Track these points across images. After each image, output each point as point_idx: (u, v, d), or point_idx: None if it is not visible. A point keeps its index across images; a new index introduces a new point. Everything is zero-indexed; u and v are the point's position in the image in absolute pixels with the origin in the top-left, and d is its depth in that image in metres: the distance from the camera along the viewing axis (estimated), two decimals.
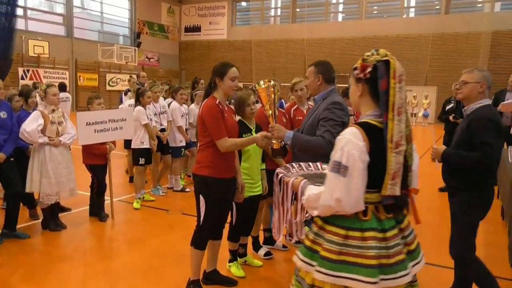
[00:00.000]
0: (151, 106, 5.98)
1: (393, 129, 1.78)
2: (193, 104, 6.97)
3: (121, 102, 8.69)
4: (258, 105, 3.53)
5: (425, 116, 20.42)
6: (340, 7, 25.25)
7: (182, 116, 6.56)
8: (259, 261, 3.79)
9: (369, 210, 1.82)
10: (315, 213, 1.88)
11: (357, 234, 1.80)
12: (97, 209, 4.98)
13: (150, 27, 26.40)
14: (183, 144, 6.43)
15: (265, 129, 3.60)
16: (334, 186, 1.78)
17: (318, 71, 3.02)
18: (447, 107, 6.78)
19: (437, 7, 22.17)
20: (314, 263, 1.86)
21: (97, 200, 4.98)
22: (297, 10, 25.22)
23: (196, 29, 27.75)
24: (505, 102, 6.71)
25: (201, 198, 2.98)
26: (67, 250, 4.07)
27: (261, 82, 3.00)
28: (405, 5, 23.36)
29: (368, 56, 1.89)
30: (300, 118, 4.02)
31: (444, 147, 2.89)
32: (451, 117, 6.40)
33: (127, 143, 6.30)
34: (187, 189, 6.47)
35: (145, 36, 25.86)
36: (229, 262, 3.63)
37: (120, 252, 4.04)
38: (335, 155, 1.81)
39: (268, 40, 25.06)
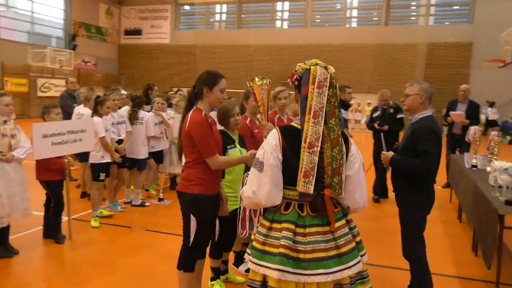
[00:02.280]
0: (109, 116, 5.71)
1: (307, 130, 1.97)
2: (151, 112, 6.76)
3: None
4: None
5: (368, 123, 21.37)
6: (286, 15, 25.82)
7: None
8: (241, 278, 3.73)
9: (292, 205, 2.02)
10: (243, 203, 2.22)
11: (277, 226, 2.01)
12: (53, 230, 4.63)
13: (87, 29, 25.28)
14: (146, 156, 6.22)
15: (247, 141, 3.61)
16: (252, 180, 2.04)
17: None
18: (374, 115, 7.06)
19: (375, 19, 23.41)
20: (249, 251, 2.10)
21: (54, 220, 4.62)
22: (243, 16, 25.42)
23: (137, 32, 27.01)
24: (455, 112, 7.25)
25: (192, 218, 2.85)
26: (25, 279, 3.73)
27: (256, 79, 2.95)
28: (348, 15, 24.42)
29: (299, 65, 2.11)
30: None
31: (391, 153, 3.20)
32: (376, 124, 6.69)
33: (82, 156, 5.94)
34: (146, 204, 6.24)
35: (81, 38, 24.72)
36: (211, 281, 3.54)
37: (89, 277, 3.76)
38: (258, 152, 2.09)
39: (214, 46, 24.99)
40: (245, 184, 2.39)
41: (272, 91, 4.23)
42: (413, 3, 23.81)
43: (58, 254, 4.34)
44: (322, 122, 1.99)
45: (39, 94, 21.74)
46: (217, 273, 3.54)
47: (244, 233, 2.88)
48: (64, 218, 4.74)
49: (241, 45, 24.52)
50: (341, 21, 24.67)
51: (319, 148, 1.98)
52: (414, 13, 23.99)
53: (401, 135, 3.98)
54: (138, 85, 21.09)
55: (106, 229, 5.09)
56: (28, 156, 4.26)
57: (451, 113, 7.27)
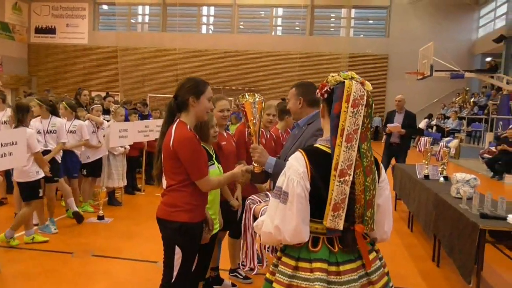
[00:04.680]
0: (37, 123, 5.00)
1: (339, 155, 1.71)
2: (87, 121, 6.08)
3: None
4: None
5: None
6: (212, 20, 25.49)
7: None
8: None
9: (321, 241, 1.75)
10: (261, 240, 1.86)
11: (306, 265, 1.73)
12: None
13: None
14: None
15: (219, 153, 3.27)
16: (274, 213, 1.73)
17: (299, 93, 2.75)
18: None
19: (297, 28, 24.03)
20: None
21: None
22: (168, 19, 24.61)
23: (50, 30, 24.83)
24: (391, 125, 7.58)
25: (178, 250, 2.44)
26: None
27: (247, 95, 2.60)
28: (274, 23, 24.79)
29: (332, 76, 1.84)
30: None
31: None
32: None
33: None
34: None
35: None
36: None
37: None
38: (279, 180, 1.77)
39: (137, 48, 23.83)
40: (261, 214, 2.07)
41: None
42: (332, 15, 24.85)
43: None
44: (356, 146, 1.74)
45: None
46: None
47: (247, 268, 2.52)
48: None
49: (166, 48, 23.71)
50: (266, 28, 24.96)
51: (351, 177, 1.72)
52: (334, 25, 25.06)
53: None
54: (52, 88, 19.42)
55: (42, 257, 4.36)
56: None
57: (388, 125, 7.61)
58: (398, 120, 7.63)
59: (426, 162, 5.43)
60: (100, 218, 5.72)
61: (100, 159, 6.22)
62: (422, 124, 18.60)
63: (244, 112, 2.52)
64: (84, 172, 6.12)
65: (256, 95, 2.56)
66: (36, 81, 24.69)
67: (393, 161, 7.80)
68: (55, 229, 5.16)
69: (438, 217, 4.34)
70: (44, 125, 5.18)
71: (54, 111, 5.29)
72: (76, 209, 5.49)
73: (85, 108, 6.83)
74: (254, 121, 2.51)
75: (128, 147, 6.55)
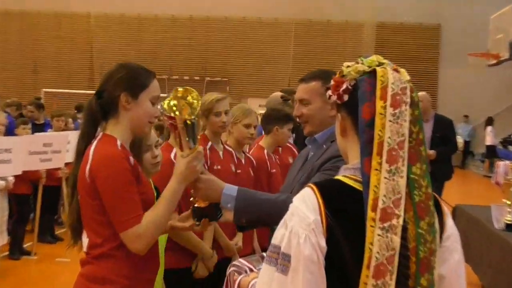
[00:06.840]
0: None
1: (378, 186, 1.74)
2: None
3: None
4: None
5: None
6: None
7: None
8: None
9: None
10: None
11: None
12: None
13: None
14: None
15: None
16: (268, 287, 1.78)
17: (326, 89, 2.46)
18: None
19: None
20: None
21: None
22: None
23: None
24: None
25: None
26: None
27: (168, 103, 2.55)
28: None
29: (348, 66, 1.89)
30: (219, 167, 3.85)
31: None
32: None
33: None
34: None
35: None
36: None
37: None
38: (276, 235, 1.80)
39: (23, 12, 24.08)
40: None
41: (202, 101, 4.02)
42: None
43: None
44: (405, 170, 1.76)
45: None
46: None
47: None
48: None
49: (73, 13, 24.13)
50: None
51: (401, 219, 1.73)
52: None
53: None
54: None
55: None
56: None
57: None
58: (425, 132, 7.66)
59: (510, 202, 5.50)
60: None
61: None
62: (489, 139, 18.82)
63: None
64: None
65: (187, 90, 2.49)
66: None
67: None
68: None
69: None
70: None
71: None
72: None
73: None
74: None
75: (12, 178, 6.50)
